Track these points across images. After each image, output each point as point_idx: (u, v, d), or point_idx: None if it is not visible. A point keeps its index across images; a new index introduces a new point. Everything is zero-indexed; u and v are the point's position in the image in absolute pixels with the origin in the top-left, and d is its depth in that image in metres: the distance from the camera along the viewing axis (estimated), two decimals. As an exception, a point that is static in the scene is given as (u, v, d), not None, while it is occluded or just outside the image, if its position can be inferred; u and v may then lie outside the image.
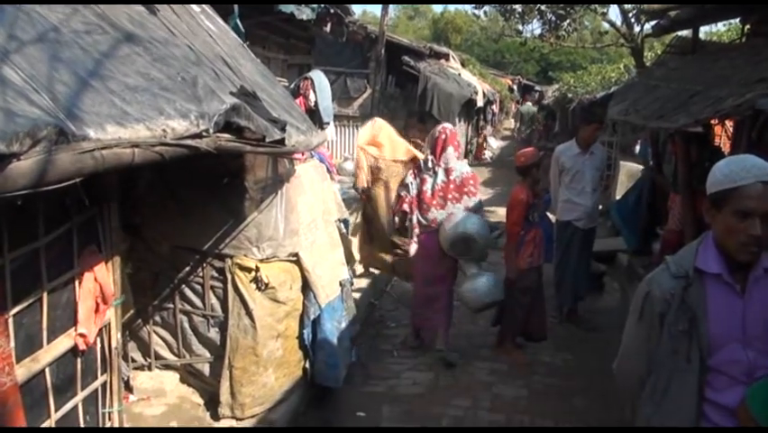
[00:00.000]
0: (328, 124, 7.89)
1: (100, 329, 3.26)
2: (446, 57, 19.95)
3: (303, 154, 4.85)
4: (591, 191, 6.75)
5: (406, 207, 6.06)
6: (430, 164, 5.99)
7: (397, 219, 6.48)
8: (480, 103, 20.03)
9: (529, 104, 30.09)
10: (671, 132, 6.50)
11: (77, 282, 3.05)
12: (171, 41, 3.47)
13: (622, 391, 2.67)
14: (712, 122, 6.26)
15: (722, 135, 7.72)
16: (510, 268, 5.93)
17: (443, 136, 5.95)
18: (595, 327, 6.89)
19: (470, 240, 5.72)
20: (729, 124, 7.23)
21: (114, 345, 3.40)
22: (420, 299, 6.23)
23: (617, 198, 10.18)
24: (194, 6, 4.37)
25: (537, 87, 39.02)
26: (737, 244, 2.18)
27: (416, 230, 6.02)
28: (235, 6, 4.98)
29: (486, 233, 5.90)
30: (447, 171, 5.90)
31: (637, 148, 14.07)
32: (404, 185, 6.25)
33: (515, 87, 39.00)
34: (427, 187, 5.95)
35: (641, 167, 11.30)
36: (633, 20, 9.49)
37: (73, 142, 2.02)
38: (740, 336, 2.25)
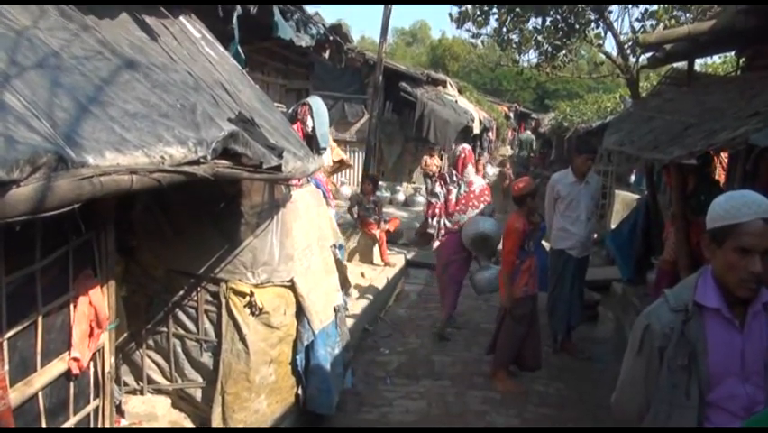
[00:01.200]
0: (325, 149, 7.93)
1: (94, 353, 3.25)
2: (443, 83, 20.04)
3: (299, 180, 4.88)
4: (586, 220, 6.77)
5: (437, 210, 7.38)
6: (454, 178, 7.40)
7: (429, 221, 7.60)
8: (476, 130, 20.06)
9: (528, 132, 30.63)
10: (665, 163, 6.54)
11: (72, 306, 3.04)
12: (171, 66, 3.50)
13: (620, 425, 2.65)
14: (711, 153, 6.31)
15: (717, 166, 7.77)
16: (505, 296, 5.94)
17: (463, 155, 7.38)
18: (590, 357, 6.87)
19: (487, 238, 7.00)
20: (724, 155, 7.29)
21: (107, 369, 3.38)
22: (439, 281, 7.67)
23: (613, 227, 10.21)
24: (194, 32, 4.40)
25: (534, 115, 39.22)
26: (737, 280, 2.19)
27: (442, 231, 7.37)
28: (235, 33, 5.02)
29: (499, 231, 6.79)
30: (469, 184, 7.32)
31: (632, 177, 14.17)
32: (433, 193, 7.66)
33: (511, 115, 39.15)
34: (452, 196, 7.34)
35: (636, 196, 11.36)
36: (629, 51, 9.53)
37: (72, 168, 2.04)
38: (739, 371, 2.25)
